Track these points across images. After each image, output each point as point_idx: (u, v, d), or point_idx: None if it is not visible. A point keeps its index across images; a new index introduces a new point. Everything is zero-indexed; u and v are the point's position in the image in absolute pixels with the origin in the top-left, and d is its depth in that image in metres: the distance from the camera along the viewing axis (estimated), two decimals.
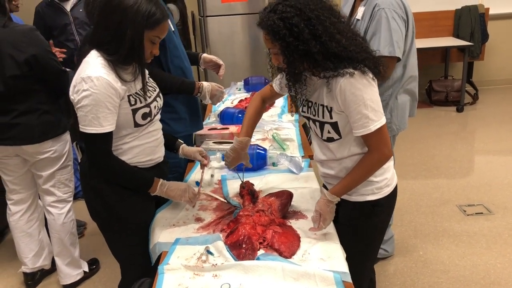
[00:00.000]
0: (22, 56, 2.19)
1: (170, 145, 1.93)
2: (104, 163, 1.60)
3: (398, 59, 2.17)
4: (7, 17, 2.24)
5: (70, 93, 1.55)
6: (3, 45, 2.18)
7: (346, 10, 2.35)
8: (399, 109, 2.32)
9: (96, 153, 1.59)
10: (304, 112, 1.63)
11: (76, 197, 2.75)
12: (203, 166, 1.93)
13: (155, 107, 1.68)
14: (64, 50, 3.06)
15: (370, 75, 1.45)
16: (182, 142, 1.97)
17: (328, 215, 1.56)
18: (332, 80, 1.44)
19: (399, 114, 2.33)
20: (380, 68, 1.50)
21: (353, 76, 1.41)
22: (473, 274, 2.60)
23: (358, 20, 2.18)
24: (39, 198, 2.64)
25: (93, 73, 1.48)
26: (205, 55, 2.50)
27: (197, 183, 2.06)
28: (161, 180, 1.69)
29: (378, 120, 1.45)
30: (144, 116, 1.63)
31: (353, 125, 1.47)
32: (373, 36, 2.09)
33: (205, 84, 2.22)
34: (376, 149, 1.50)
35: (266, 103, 1.91)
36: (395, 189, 1.69)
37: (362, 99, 1.42)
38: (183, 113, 2.25)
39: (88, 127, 1.52)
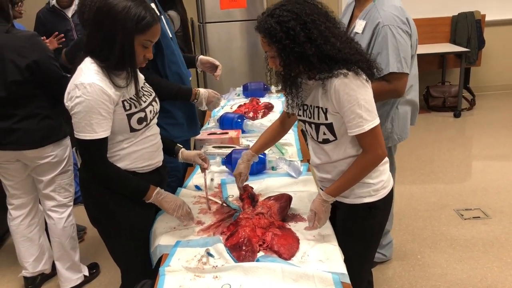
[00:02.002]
0: (24, 61, 2.21)
1: (169, 150, 1.93)
2: (98, 169, 1.61)
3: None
4: (10, 24, 2.27)
5: (65, 100, 1.55)
6: (5, 50, 2.20)
7: (344, 21, 2.33)
8: (400, 119, 2.32)
9: (90, 159, 1.60)
10: (300, 115, 1.66)
11: (76, 202, 2.76)
12: (203, 169, 1.94)
13: (150, 111, 1.68)
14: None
15: (364, 76, 1.48)
16: (181, 146, 1.97)
17: (323, 215, 1.58)
18: (327, 81, 1.47)
19: (400, 124, 2.32)
20: (374, 70, 1.54)
21: (347, 77, 1.44)
22: (471, 277, 2.62)
23: (357, 33, 2.13)
24: (40, 203, 2.65)
25: (86, 79, 1.49)
26: (201, 56, 2.51)
27: (197, 187, 2.08)
28: (158, 188, 1.68)
29: (371, 120, 1.48)
30: (140, 121, 1.63)
31: (347, 124, 1.50)
32: (379, 54, 2.05)
33: (201, 90, 2.24)
34: (370, 149, 1.53)
35: (285, 125, 1.91)
36: (392, 191, 1.71)
37: (356, 99, 1.45)
38: (180, 118, 2.26)
39: (82, 134, 1.52)
